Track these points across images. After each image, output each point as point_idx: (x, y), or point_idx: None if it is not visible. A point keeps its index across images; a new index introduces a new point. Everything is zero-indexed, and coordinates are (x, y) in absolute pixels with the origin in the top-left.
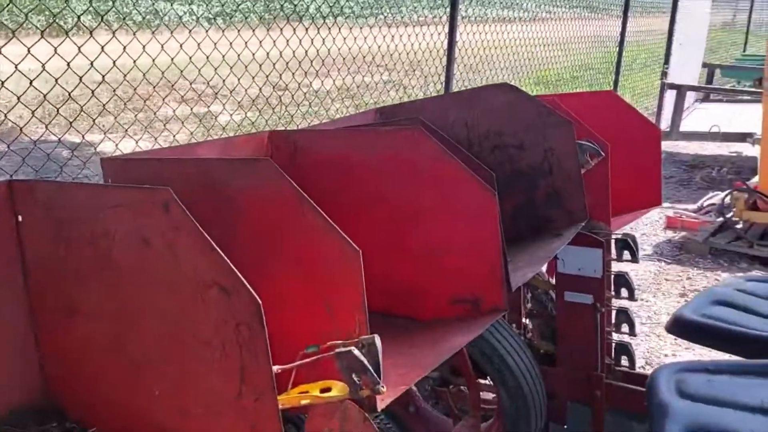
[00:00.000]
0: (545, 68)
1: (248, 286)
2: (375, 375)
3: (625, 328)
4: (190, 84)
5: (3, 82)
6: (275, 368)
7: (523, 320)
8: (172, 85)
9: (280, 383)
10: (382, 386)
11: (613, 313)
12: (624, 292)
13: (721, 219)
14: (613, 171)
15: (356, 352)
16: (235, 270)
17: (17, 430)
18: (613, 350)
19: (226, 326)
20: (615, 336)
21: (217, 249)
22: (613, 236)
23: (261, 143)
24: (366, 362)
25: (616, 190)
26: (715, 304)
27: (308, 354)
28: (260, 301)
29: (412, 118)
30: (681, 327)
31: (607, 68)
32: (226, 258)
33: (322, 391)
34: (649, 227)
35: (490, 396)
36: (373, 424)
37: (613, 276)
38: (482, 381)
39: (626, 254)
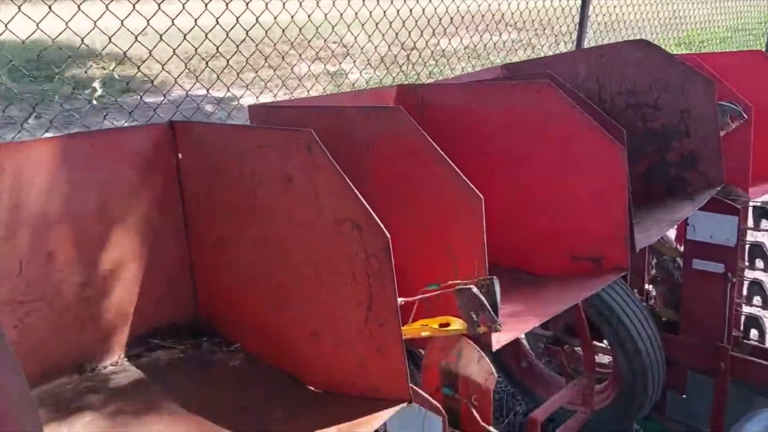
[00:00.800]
0: (690, 28)
1: (379, 222)
2: (493, 313)
3: (757, 300)
4: (324, 41)
5: (161, 36)
6: (399, 300)
7: (646, 286)
8: (308, 42)
9: (403, 316)
10: (500, 324)
11: (745, 284)
12: (759, 263)
13: None
14: (756, 135)
15: (475, 289)
16: (368, 207)
17: (174, 341)
18: (742, 323)
19: (357, 258)
20: (745, 308)
21: (353, 188)
22: (751, 204)
23: (389, 96)
24: (484, 300)
25: (758, 155)
26: None
27: (429, 291)
28: (389, 236)
29: (541, 72)
30: None
31: (760, 30)
32: (360, 196)
33: (441, 325)
34: None
35: (605, 359)
36: (487, 361)
37: (748, 246)
38: (598, 344)
39: (764, 223)
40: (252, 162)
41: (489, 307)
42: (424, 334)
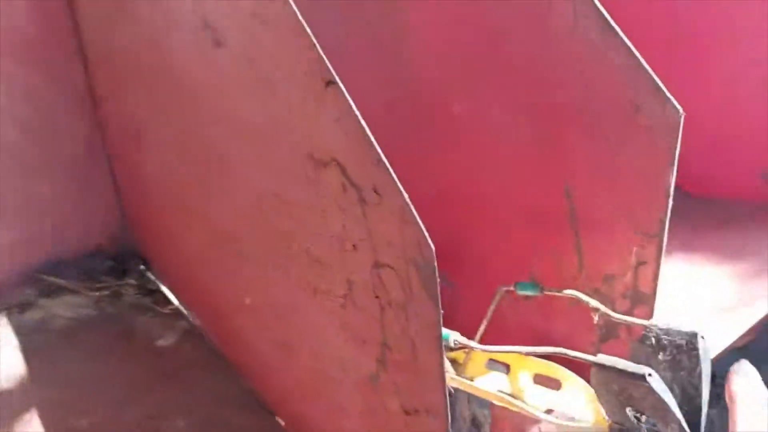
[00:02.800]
0: None
1: (407, 200)
2: (684, 427)
3: None
4: None
5: None
6: (446, 336)
7: None
8: None
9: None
10: None
11: None
12: None
13: None
14: None
15: (653, 380)
16: (385, 162)
17: (85, 282)
18: None
19: (355, 257)
20: None
21: (349, 96)
22: None
23: None
24: (666, 401)
25: None
26: None
27: (516, 293)
28: (433, 247)
29: None
30: None
31: None
32: (365, 125)
33: (538, 378)
34: None
35: None
36: None
37: None
38: None
39: None
40: None
41: (677, 414)
42: (497, 404)
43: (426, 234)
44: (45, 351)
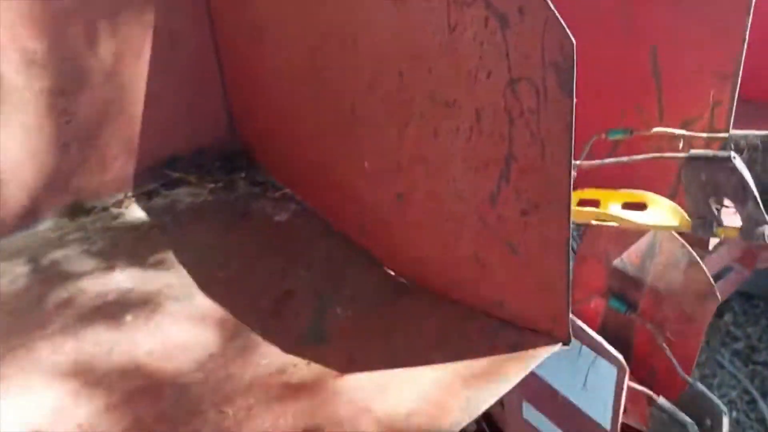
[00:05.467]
0: None
1: (551, 4)
2: (761, 208)
3: None
4: None
5: None
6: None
7: None
8: None
9: None
10: None
11: None
12: None
13: None
14: None
15: (737, 161)
16: None
17: (200, 176)
18: None
19: (486, 87)
20: None
21: None
22: None
23: None
24: (746, 177)
25: None
26: None
27: (608, 141)
28: (574, 41)
29: None
30: None
31: None
32: None
33: (629, 205)
34: None
35: None
36: (704, 270)
37: None
38: None
39: None
40: None
41: (752, 189)
42: (596, 222)
43: (568, 31)
44: (175, 226)
